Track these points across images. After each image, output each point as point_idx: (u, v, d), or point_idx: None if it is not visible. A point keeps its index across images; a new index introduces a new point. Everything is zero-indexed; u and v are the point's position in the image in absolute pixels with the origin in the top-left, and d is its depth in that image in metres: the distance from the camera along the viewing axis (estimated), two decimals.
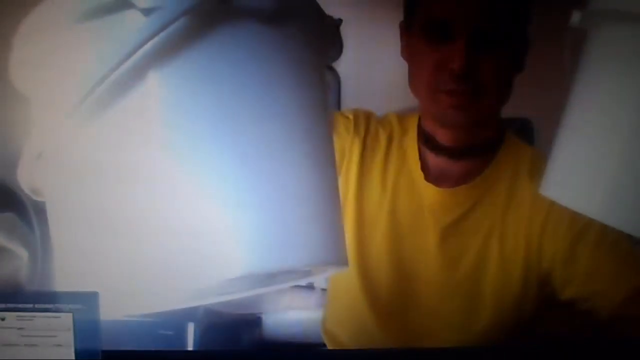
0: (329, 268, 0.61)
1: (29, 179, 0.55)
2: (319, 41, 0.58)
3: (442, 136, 0.95)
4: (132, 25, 0.49)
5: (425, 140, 0.98)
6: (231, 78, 0.51)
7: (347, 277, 1.02)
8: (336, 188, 0.59)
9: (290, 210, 0.52)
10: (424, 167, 0.98)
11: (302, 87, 0.56)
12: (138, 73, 0.49)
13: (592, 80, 0.63)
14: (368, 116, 1.04)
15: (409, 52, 0.93)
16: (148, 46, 0.48)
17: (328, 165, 0.58)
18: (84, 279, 0.55)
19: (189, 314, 1.32)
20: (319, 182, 0.56)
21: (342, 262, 0.58)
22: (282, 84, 0.53)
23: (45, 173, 0.55)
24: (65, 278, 0.57)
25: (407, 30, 0.94)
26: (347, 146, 1.01)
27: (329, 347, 1.11)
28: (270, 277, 0.65)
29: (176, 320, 1.32)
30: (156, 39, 0.48)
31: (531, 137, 1.55)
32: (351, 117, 1.03)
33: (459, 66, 0.83)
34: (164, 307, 0.56)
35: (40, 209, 0.61)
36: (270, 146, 0.52)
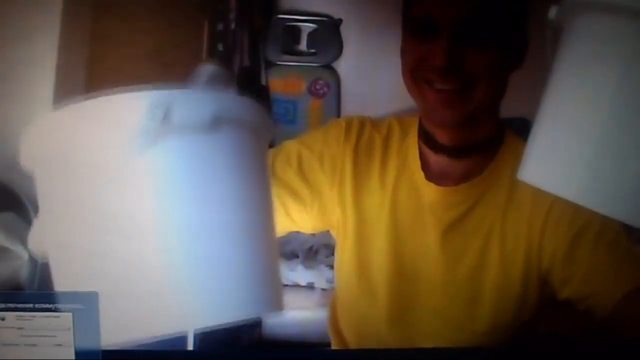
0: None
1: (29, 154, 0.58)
2: (257, 131, 0.64)
3: (441, 135, 0.95)
4: None
5: (426, 139, 0.98)
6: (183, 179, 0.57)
7: (347, 277, 1.02)
8: (273, 239, 0.65)
9: (224, 269, 0.57)
10: (425, 167, 0.98)
11: (244, 177, 0.62)
12: None
13: (569, 68, 0.65)
14: (362, 122, 1.03)
15: (402, 48, 0.94)
16: None
17: (265, 230, 0.64)
18: (80, 276, 0.56)
19: None
20: (251, 244, 0.61)
21: (277, 308, 0.64)
22: (223, 180, 0.59)
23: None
24: (63, 278, 0.57)
25: (404, 28, 0.94)
26: (338, 155, 1.01)
27: (334, 346, 1.11)
28: None
29: None
30: None
31: None
32: (343, 124, 1.03)
33: (441, 63, 0.84)
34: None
35: None
36: (208, 225, 0.57)
